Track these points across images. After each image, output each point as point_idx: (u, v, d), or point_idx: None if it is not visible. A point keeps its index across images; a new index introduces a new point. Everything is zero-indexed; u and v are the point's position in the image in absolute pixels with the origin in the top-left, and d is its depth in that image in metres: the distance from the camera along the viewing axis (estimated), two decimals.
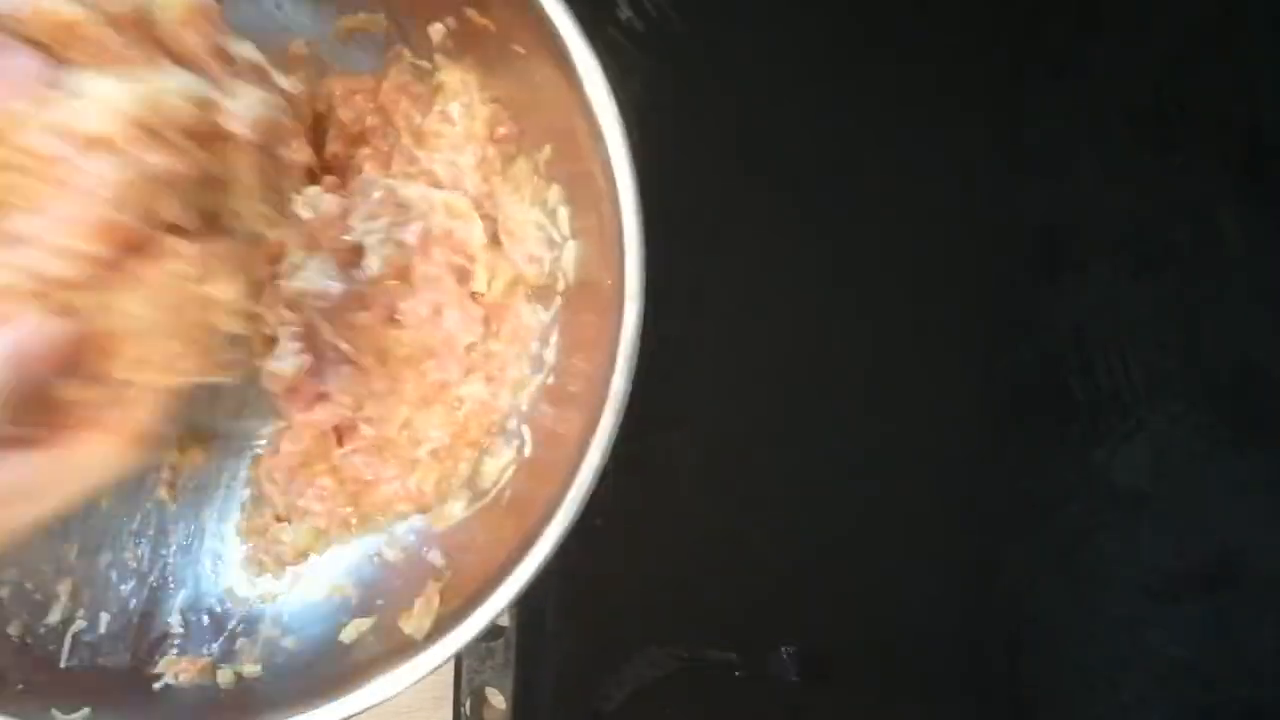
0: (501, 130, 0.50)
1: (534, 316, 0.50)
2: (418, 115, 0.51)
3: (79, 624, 0.48)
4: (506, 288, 0.51)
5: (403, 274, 0.50)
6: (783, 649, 0.56)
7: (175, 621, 0.50)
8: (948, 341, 0.58)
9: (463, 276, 0.51)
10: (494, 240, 0.51)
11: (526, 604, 0.53)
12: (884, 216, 0.58)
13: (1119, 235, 0.59)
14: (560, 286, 0.49)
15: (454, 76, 0.50)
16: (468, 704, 0.53)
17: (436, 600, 0.47)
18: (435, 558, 0.49)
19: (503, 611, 0.43)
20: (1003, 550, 0.58)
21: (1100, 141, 0.59)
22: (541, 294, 0.50)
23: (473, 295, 0.51)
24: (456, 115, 0.50)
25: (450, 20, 0.50)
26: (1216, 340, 0.58)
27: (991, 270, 0.58)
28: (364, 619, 0.48)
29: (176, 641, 0.49)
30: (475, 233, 0.50)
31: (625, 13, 0.56)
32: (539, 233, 0.50)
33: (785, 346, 0.58)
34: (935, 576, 0.58)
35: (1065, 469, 0.58)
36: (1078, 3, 0.59)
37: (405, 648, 0.45)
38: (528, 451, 0.49)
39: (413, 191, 0.50)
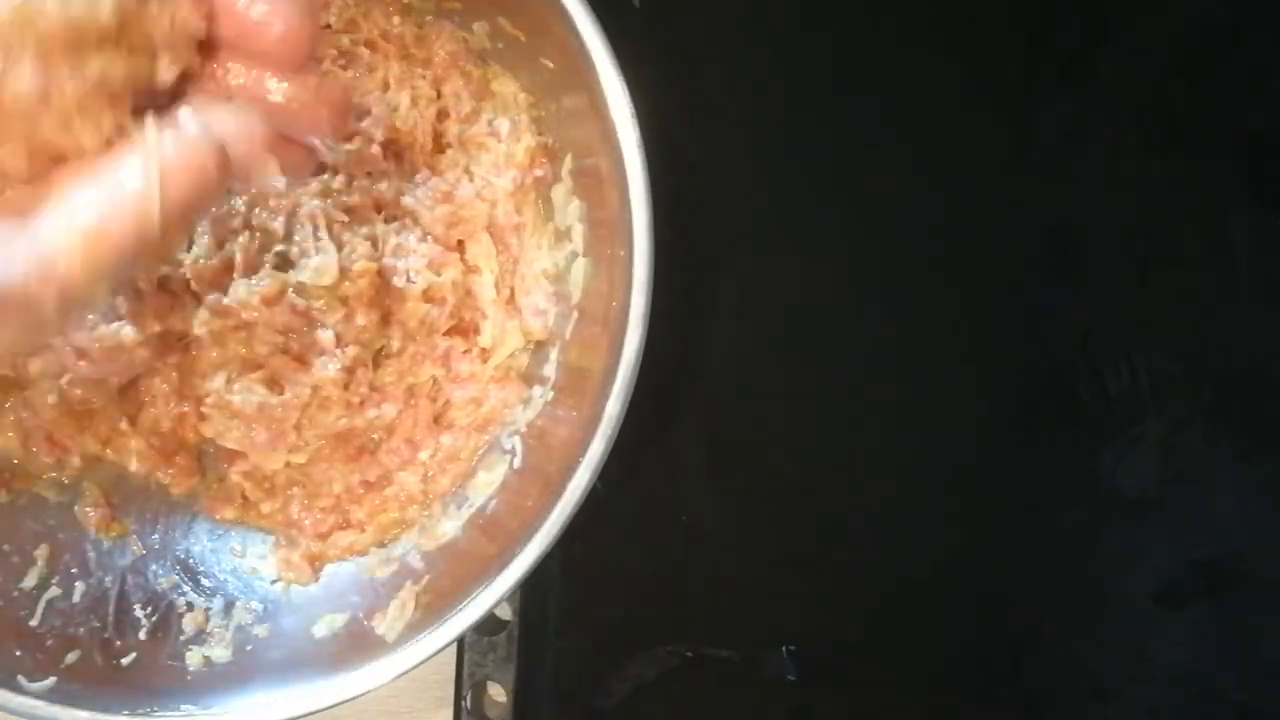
0: (538, 173, 0.50)
1: (517, 400, 0.50)
2: (467, 100, 0.51)
3: (53, 591, 0.48)
4: (511, 356, 0.51)
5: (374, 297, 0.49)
6: (783, 649, 0.56)
7: (150, 599, 0.49)
8: (954, 344, 0.58)
9: (462, 332, 0.51)
10: (508, 300, 0.51)
11: (529, 599, 0.54)
12: (892, 220, 0.58)
13: (1126, 240, 0.58)
14: (553, 371, 0.50)
15: (507, 88, 0.50)
16: (469, 698, 0.53)
17: (412, 604, 0.47)
18: (414, 561, 0.49)
19: (481, 618, 0.43)
20: (1007, 553, 0.58)
21: (1108, 147, 0.58)
22: (539, 354, 0.51)
23: (479, 352, 0.51)
24: (504, 133, 0.50)
25: (485, 25, 0.50)
26: (1223, 345, 0.58)
27: (999, 274, 0.58)
28: (338, 615, 0.48)
29: (150, 619, 0.49)
30: (489, 287, 0.50)
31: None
32: (550, 285, 0.50)
33: (790, 347, 0.58)
34: (938, 579, 0.58)
35: (1070, 473, 0.58)
36: (1086, 12, 0.59)
37: (376, 648, 0.45)
38: (517, 464, 0.49)
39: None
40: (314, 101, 0.32)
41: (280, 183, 0.38)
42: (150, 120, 0.29)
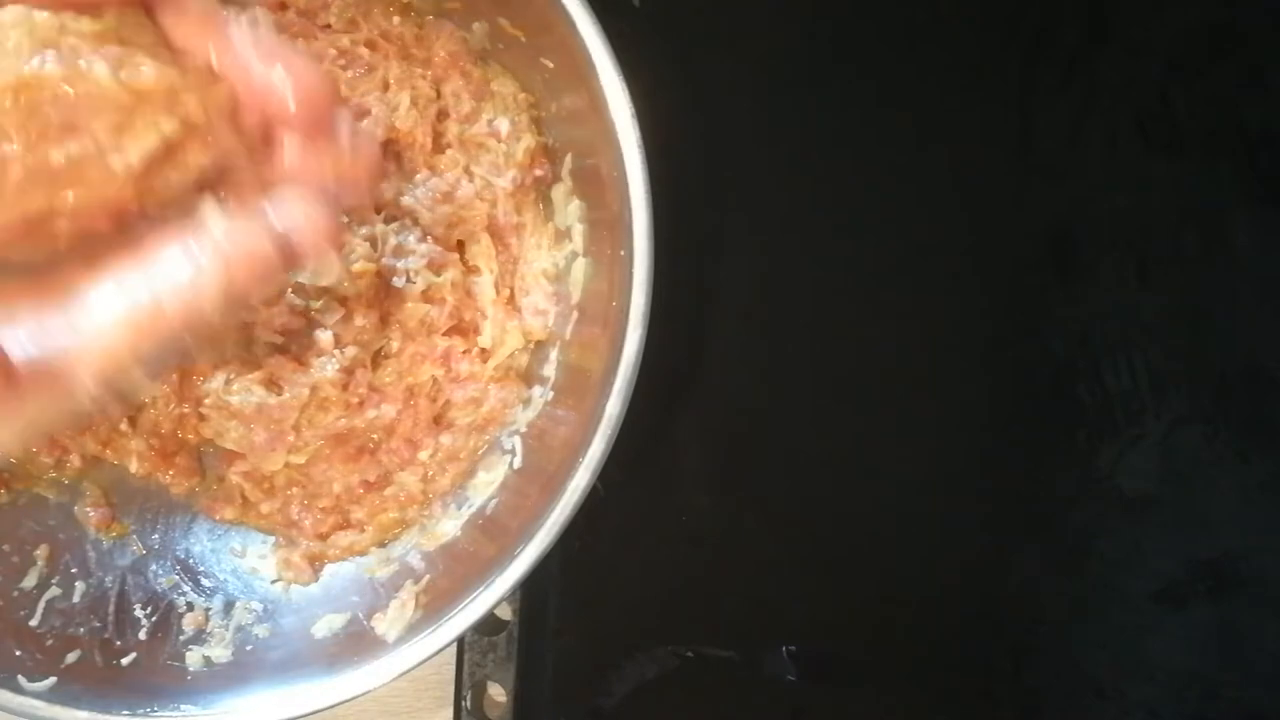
0: (538, 173, 0.50)
1: (517, 400, 0.50)
2: (467, 100, 0.51)
3: (53, 591, 0.48)
4: (511, 356, 0.51)
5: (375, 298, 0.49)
6: (783, 649, 0.56)
7: (150, 599, 0.49)
8: (954, 344, 0.58)
9: (460, 331, 0.51)
10: (508, 300, 0.51)
11: (529, 599, 0.54)
12: (892, 220, 0.58)
13: (1126, 239, 0.58)
14: (553, 371, 0.50)
15: (507, 88, 0.50)
16: (469, 698, 0.53)
17: (412, 604, 0.47)
18: (414, 561, 0.49)
19: (482, 618, 0.43)
20: (1007, 554, 0.58)
21: (1108, 146, 0.58)
22: (539, 354, 0.51)
23: (479, 352, 0.51)
24: (504, 133, 0.50)
25: (485, 25, 0.50)
26: (1224, 344, 0.58)
27: (999, 274, 0.59)
28: (338, 615, 0.48)
29: (150, 619, 0.49)
30: (488, 287, 0.50)
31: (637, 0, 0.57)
32: (550, 285, 0.50)
33: (790, 347, 0.58)
34: (938, 579, 0.58)
35: (1071, 473, 0.58)
36: (1086, 11, 0.59)
37: (376, 648, 0.45)
38: (517, 464, 0.49)
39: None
40: (350, 161, 0.30)
41: (334, 273, 0.42)
42: (209, 203, 0.27)
